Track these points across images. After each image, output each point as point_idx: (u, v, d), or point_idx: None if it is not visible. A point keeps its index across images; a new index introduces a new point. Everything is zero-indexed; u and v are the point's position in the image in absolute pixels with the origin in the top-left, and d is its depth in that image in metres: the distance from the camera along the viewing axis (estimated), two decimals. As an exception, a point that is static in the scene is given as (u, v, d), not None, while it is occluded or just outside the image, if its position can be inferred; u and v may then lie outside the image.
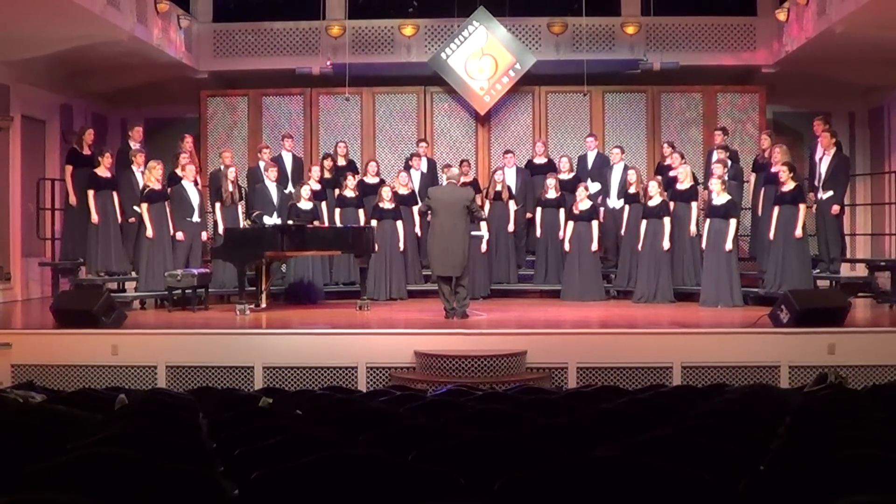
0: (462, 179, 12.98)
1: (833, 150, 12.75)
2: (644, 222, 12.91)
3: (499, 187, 13.88)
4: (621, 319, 11.33)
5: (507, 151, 14.65)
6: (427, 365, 9.45)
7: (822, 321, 9.74)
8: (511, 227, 13.99)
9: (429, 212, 11.27)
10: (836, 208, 12.62)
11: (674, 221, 12.89)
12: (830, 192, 12.64)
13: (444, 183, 11.88)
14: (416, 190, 14.10)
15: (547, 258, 13.94)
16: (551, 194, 13.78)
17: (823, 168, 12.79)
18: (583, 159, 14.66)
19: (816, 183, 12.87)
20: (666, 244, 12.73)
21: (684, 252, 12.95)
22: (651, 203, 12.90)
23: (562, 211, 13.73)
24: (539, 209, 13.93)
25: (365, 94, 15.65)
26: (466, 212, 10.98)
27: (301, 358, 9.68)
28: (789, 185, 12.09)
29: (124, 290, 13.31)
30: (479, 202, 12.95)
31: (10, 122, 13.92)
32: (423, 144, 14.90)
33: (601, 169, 14.35)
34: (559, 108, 15.65)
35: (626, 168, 14.03)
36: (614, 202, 14.04)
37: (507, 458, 3.83)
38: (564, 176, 14.11)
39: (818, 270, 12.69)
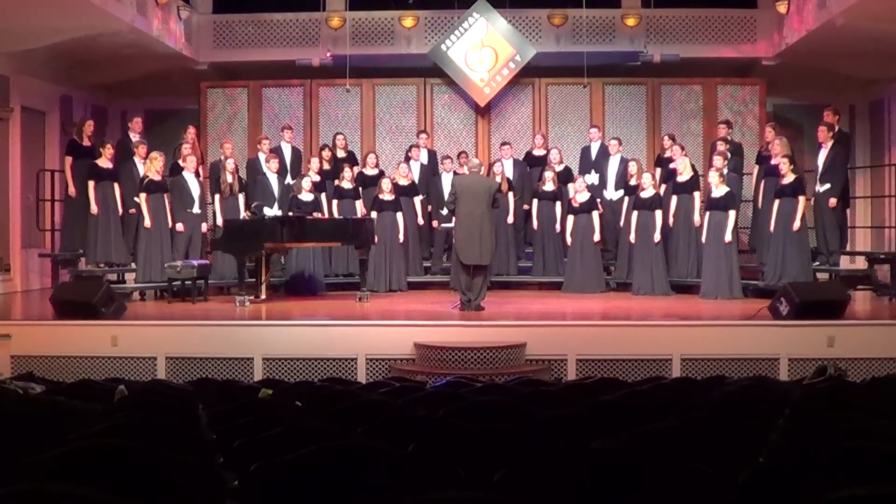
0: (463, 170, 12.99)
1: (830, 143, 12.76)
2: (635, 213, 12.93)
3: (498, 179, 13.86)
4: (620, 311, 11.33)
5: (505, 143, 14.65)
6: (426, 357, 9.47)
7: (822, 314, 9.74)
8: (510, 219, 13.99)
9: (454, 204, 11.20)
10: (833, 201, 12.63)
11: (678, 213, 12.91)
12: (828, 185, 12.65)
13: (466, 173, 11.92)
14: (416, 181, 14.14)
15: (544, 250, 13.95)
16: (549, 186, 13.78)
17: (820, 161, 12.82)
18: (586, 150, 14.66)
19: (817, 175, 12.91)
20: (657, 236, 12.74)
21: (689, 244, 12.95)
22: (644, 195, 12.92)
23: (558, 203, 13.74)
24: (536, 201, 13.92)
25: (365, 85, 15.64)
26: (492, 200, 11.00)
27: (300, 349, 9.69)
28: (789, 178, 12.09)
29: (124, 282, 13.32)
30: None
31: (9, 113, 13.91)
32: (423, 136, 14.90)
33: (603, 160, 14.36)
34: (559, 100, 15.64)
35: (623, 160, 14.05)
36: (611, 193, 14.06)
37: (506, 450, 3.84)
38: (556, 168, 14.11)
39: (818, 263, 12.69)
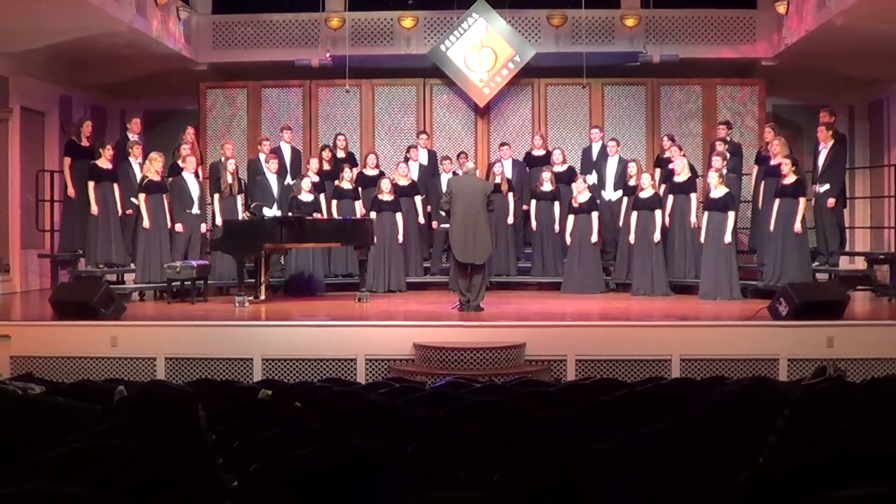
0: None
1: (830, 143, 12.78)
2: (635, 214, 12.92)
3: (498, 179, 13.86)
4: (620, 312, 11.32)
5: (503, 144, 14.65)
6: (426, 357, 9.46)
7: (821, 314, 9.74)
8: (510, 220, 13.98)
9: (449, 203, 11.19)
10: (831, 201, 12.65)
11: (674, 214, 12.90)
12: (827, 186, 12.68)
13: (461, 174, 11.95)
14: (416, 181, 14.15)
15: (543, 250, 13.95)
16: (547, 187, 13.79)
17: (820, 161, 12.84)
18: (587, 151, 14.67)
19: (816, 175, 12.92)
20: (657, 237, 12.73)
21: (685, 245, 12.95)
22: (642, 195, 12.91)
23: (556, 203, 13.74)
24: (534, 201, 13.92)
25: (364, 86, 15.64)
26: (487, 201, 11.03)
27: (300, 350, 9.69)
28: (790, 178, 12.09)
29: (123, 282, 13.32)
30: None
31: (9, 113, 13.91)
32: (423, 136, 14.90)
33: (601, 160, 14.36)
34: (558, 101, 15.65)
35: (621, 160, 14.05)
36: (609, 194, 14.06)
37: (505, 451, 3.83)
38: (558, 168, 14.13)
39: (817, 263, 12.70)
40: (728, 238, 12.14)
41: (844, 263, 13.75)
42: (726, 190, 12.32)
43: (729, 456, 3.79)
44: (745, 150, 14.39)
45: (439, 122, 15.69)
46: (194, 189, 12.99)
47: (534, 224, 13.92)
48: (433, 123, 15.62)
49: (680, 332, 9.82)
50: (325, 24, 15.79)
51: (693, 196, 12.94)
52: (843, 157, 13.23)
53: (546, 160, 14.39)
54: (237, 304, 11.49)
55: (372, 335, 9.89)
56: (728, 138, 13.83)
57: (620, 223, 13.50)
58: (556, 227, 13.73)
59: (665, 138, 14.23)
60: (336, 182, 13.79)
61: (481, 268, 11.13)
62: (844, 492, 2.71)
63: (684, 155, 13.44)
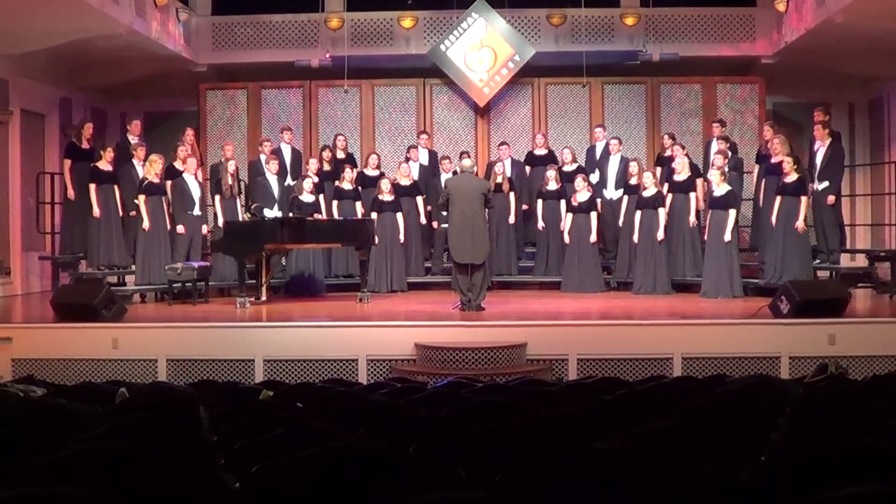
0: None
1: (828, 141, 12.79)
2: (638, 213, 12.91)
3: (499, 179, 13.85)
4: (621, 311, 11.31)
5: (503, 143, 14.64)
6: (427, 357, 9.46)
7: (823, 312, 9.74)
8: (512, 219, 13.97)
9: (447, 203, 11.19)
10: (831, 199, 12.67)
11: (673, 213, 12.89)
12: (826, 183, 12.69)
13: (459, 173, 11.95)
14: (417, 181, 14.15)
15: (548, 250, 13.93)
16: (552, 186, 13.77)
17: (819, 159, 12.86)
18: (591, 150, 14.66)
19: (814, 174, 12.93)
20: (660, 235, 12.72)
21: (684, 243, 12.94)
22: (646, 194, 12.90)
23: (563, 202, 13.72)
24: (540, 201, 13.90)
25: (364, 86, 15.63)
26: (484, 200, 11.02)
27: (301, 351, 9.68)
28: (792, 177, 12.07)
29: (124, 284, 13.31)
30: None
31: (9, 115, 13.92)
32: (423, 136, 14.90)
33: (603, 159, 14.35)
34: (559, 100, 15.64)
35: (623, 159, 14.04)
36: (611, 192, 14.04)
37: (507, 450, 3.83)
38: (567, 168, 14.11)
39: (818, 261, 12.70)
40: (728, 236, 12.12)
41: (845, 261, 13.76)
42: (728, 188, 12.31)
43: (731, 454, 3.79)
44: (747, 149, 14.40)
45: (439, 122, 15.68)
46: (195, 190, 12.98)
47: (539, 224, 13.89)
48: (433, 123, 15.61)
49: (681, 331, 9.81)
50: (325, 25, 15.79)
51: (692, 195, 12.93)
52: (840, 154, 13.24)
53: (548, 159, 14.38)
54: (238, 306, 11.49)
55: (373, 335, 9.88)
56: (726, 136, 13.82)
57: (621, 222, 13.49)
58: (563, 226, 13.69)
59: (665, 137, 14.23)
60: (336, 183, 13.78)
61: (482, 267, 11.11)
62: (846, 490, 2.71)
63: (686, 154, 13.42)
